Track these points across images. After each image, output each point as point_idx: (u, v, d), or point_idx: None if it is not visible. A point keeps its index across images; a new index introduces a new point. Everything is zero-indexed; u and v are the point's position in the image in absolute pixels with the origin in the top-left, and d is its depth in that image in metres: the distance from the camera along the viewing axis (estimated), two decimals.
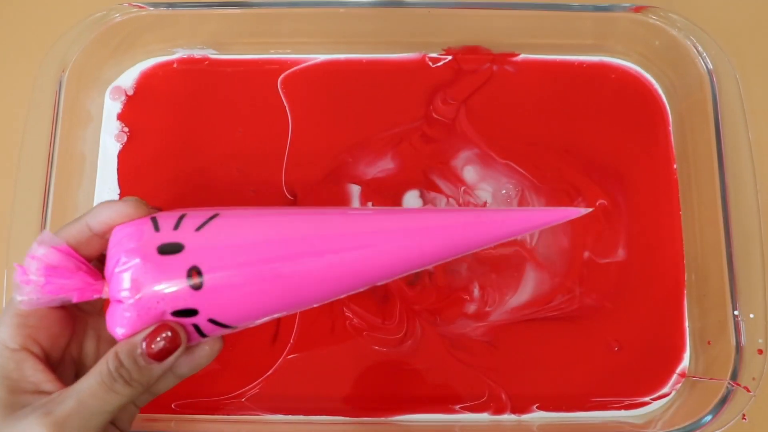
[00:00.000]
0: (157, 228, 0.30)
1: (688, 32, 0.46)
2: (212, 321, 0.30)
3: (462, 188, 0.47)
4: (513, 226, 0.31)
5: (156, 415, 0.43)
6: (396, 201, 0.47)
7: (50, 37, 0.45)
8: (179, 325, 0.30)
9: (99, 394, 0.28)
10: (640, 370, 0.45)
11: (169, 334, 0.29)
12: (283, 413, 0.44)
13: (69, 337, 0.32)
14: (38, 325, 0.30)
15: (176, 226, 0.30)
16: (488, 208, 0.32)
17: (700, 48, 0.45)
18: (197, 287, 0.29)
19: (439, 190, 0.47)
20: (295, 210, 0.33)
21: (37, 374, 0.29)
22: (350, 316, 0.45)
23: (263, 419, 0.44)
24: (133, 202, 0.30)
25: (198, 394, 0.44)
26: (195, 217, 0.30)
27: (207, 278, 0.29)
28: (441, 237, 0.30)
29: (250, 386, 0.44)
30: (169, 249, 0.29)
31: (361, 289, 0.31)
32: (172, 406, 0.44)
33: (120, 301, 0.29)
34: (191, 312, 0.29)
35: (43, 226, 0.43)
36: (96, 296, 0.30)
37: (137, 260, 0.29)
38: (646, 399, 0.44)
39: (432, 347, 0.45)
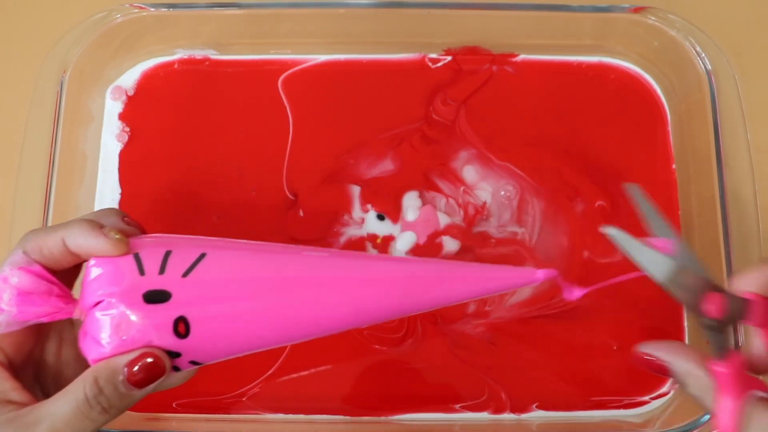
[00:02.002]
0: (142, 271, 0.29)
1: (687, 33, 0.46)
2: (193, 362, 0.30)
3: (462, 188, 0.47)
4: (482, 285, 0.31)
5: (156, 414, 0.43)
6: (396, 201, 0.47)
7: (52, 38, 0.45)
8: (162, 351, 0.29)
9: (73, 421, 0.27)
10: (640, 370, 0.45)
11: (152, 360, 0.28)
12: (284, 413, 0.44)
13: (34, 343, 0.31)
14: (3, 333, 0.29)
15: (162, 269, 0.29)
16: (462, 263, 0.34)
17: (698, 48, 0.45)
18: (183, 336, 0.28)
19: (439, 190, 0.47)
20: (283, 249, 0.32)
21: (3, 383, 0.28)
22: None
23: (263, 419, 0.44)
24: (114, 242, 0.29)
25: (198, 394, 0.44)
26: (181, 255, 0.29)
27: (194, 328, 0.28)
28: (427, 290, 0.31)
29: (250, 386, 0.44)
30: (156, 297, 0.28)
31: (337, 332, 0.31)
32: (173, 405, 0.44)
33: (98, 342, 0.28)
34: (174, 354, 0.29)
35: (44, 225, 0.43)
36: (67, 317, 0.29)
37: (122, 308, 0.28)
38: (645, 398, 0.44)
39: (432, 346, 0.45)
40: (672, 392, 0.44)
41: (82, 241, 0.29)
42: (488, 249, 0.46)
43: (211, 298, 0.29)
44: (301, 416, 0.44)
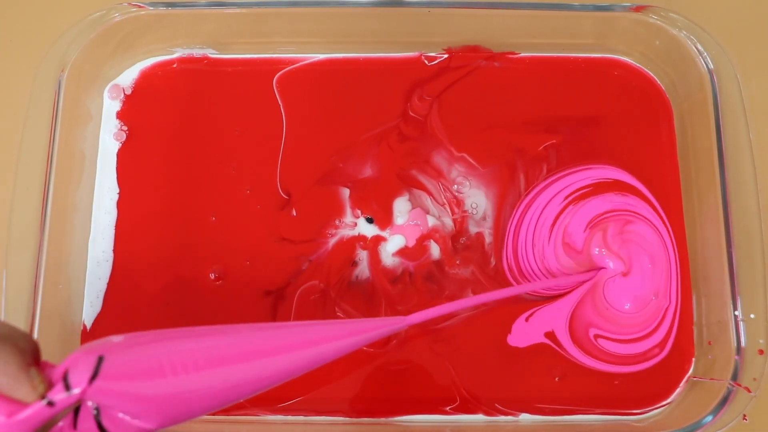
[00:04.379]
0: (51, 403, 0.27)
1: (689, 32, 0.45)
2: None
3: (441, 184, 0.47)
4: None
5: None
6: (384, 203, 0.47)
7: (50, 37, 0.45)
8: None
9: None
10: (647, 380, 0.44)
11: None
12: (283, 414, 0.44)
13: None
14: None
15: (67, 387, 0.27)
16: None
17: (700, 47, 0.45)
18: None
19: (422, 188, 0.47)
20: (176, 334, 0.32)
21: None
22: (342, 315, 0.45)
23: (263, 419, 0.44)
24: (36, 395, 0.26)
25: None
26: (80, 365, 0.28)
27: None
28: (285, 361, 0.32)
29: None
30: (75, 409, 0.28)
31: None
32: None
33: None
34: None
35: (42, 224, 0.42)
36: None
37: None
38: (651, 407, 0.44)
39: (415, 347, 0.44)
40: (672, 399, 0.44)
41: (2, 379, 0.26)
42: (455, 269, 0.46)
43: (123, 392, 0.28)
44: (300, 417, 0.44)
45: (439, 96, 0.49)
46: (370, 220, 0.46)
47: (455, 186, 0.47)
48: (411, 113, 0.48)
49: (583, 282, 0.45)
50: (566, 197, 0.46)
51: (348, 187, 0.47)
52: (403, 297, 0.45)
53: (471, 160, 0.47)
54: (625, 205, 0.46)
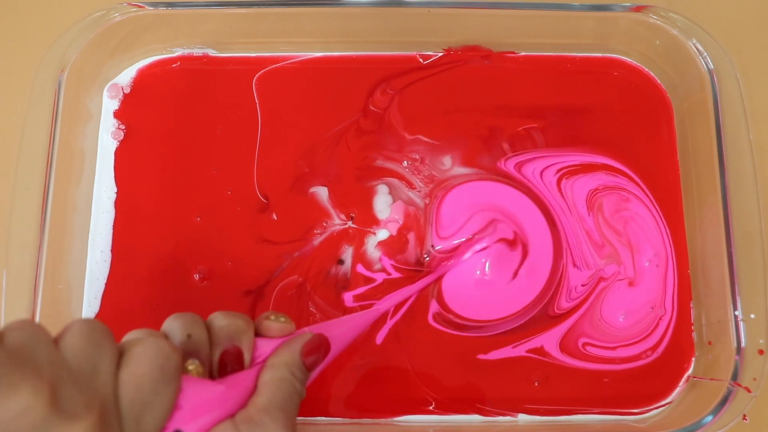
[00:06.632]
0: None
1: (689, 32, 0.45)
2: None
3: (420, 177, 0.47)
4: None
5: None
6: (368, 203, 0.47)
7: (50, 37, 0.45)
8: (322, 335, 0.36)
9: (287, 399, 0.32)
10: (645, 379, 0.44)
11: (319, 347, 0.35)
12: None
13: None
14: None
15: None
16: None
17: (700, 47, 0.45)
18: None
19: (394, 176, 0.47)
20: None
21: None
22: (314, 311, 0.45)
23: None
24: None
25: None
26: None
27: None
28: None
29: None
30: None
31: None
32: None
33: None
34: None
35: (42, 224, 0.42)
36: None
37: None
38: (651, 407, 0.44)
39: (388, 345, 0.45)
40: (672, 399, 0.44)
41: None
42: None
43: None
44: (300, 418, 0.44)
45: (402, 90, 0.48)
46: (352, 218, 0.46)
47: (405, 163, 0.47)
48: (371, 107, 0.48)
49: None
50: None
51: (326, 187, 0.47)
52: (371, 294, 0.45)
53: (426, 138, 0.47)
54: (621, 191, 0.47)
